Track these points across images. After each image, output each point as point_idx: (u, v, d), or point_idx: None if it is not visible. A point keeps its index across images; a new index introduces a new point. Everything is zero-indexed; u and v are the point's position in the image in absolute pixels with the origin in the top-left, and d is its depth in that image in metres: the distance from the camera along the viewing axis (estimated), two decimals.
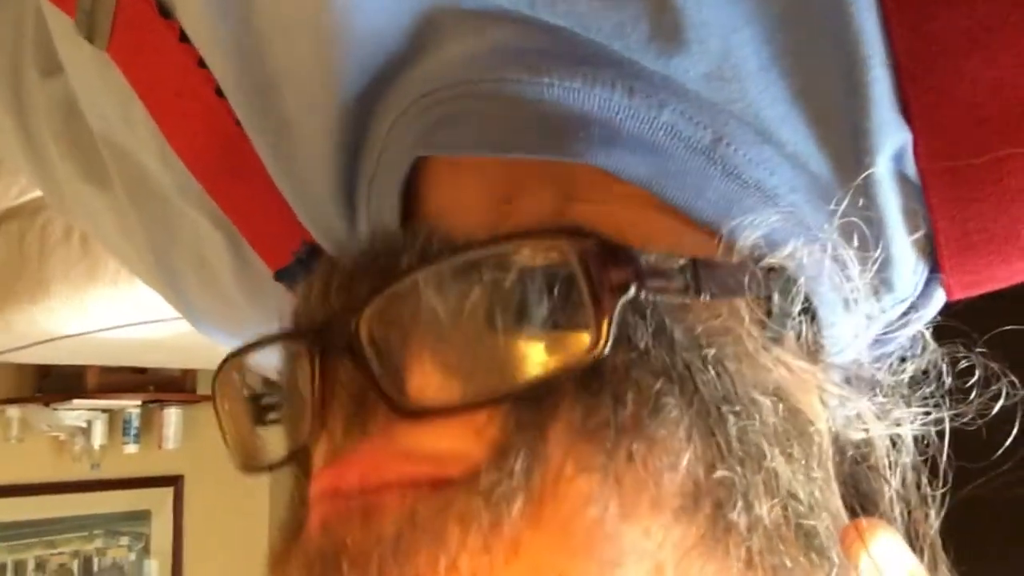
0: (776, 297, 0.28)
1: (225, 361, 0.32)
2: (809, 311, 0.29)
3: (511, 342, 0.26)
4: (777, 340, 0.28)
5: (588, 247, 0.25)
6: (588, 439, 0.24)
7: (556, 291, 0.25)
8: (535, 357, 0.25)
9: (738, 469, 0.25)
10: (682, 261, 0.26)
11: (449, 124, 0.30)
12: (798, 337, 0.30)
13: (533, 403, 0.25)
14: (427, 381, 0.26)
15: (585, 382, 0.25)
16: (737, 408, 0.26)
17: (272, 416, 0.33)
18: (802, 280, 0.28)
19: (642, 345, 0.25)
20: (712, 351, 0.26)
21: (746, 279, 0.27)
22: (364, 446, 0.26)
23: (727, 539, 0.25)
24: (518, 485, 0.24)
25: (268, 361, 0.32)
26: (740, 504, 0.25)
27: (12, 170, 1.55)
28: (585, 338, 0.25)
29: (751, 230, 0.28)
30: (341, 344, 0.27)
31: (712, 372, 0.26)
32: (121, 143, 0.44)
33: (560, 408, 0.25)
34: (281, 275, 0.39)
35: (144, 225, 0.46)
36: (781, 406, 0.27)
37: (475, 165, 0.31)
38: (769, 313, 0.28)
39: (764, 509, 0.25)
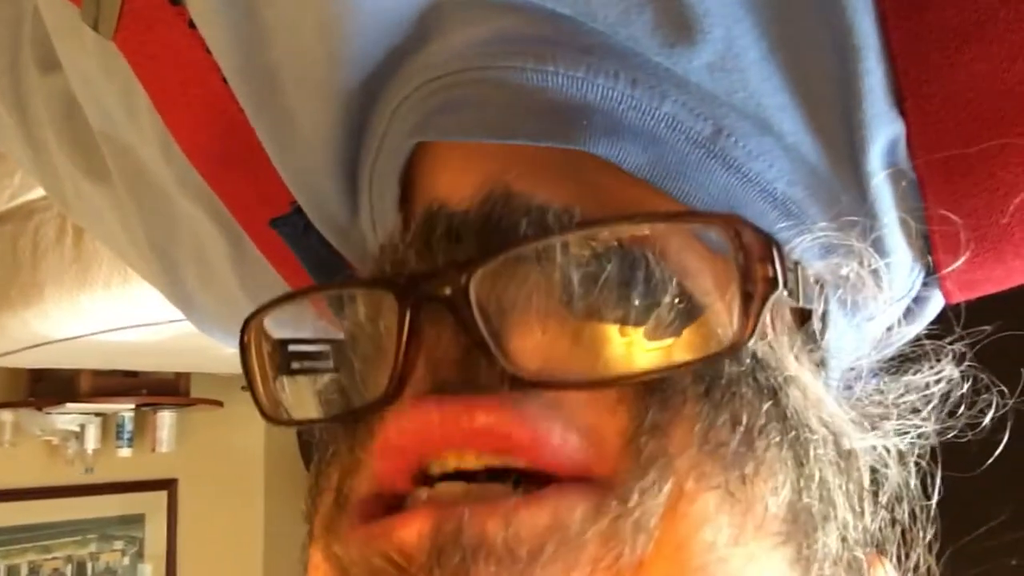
0: (819, 309, 0.28)
1: (266, 306, 0.30)
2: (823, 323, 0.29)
3: (641, 325, 0.25)
4: (816, 352, 0.28)
5: (747, 234, 0.25)
6: (710, 454, 0.24)
7: (697, 277, 0.25)
8: (663, 342, 0.25)
9: (815, 498, 0.25)
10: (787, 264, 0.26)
11: (451, 109, 0.30)
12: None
13: (659, 399, 0.24)
14: (534, 351, 0.25)
15: (706, 390, 0.25)
16: (813, 436, 0.26)
17: (299, 365, 0.31)
18: (832, 291, 0.28)
19: (747, 362, 0.25)
20: (785, 374, 0.26)
21: (813, 290, 0.27)
22: (482, 399, 0.25)
23: (809, 570, 0.25)
24: (658, 507, 0.23)
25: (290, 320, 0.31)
26: (820, 533, 0.25)
27: (3, 174, 1.55)
28: (725, 329, 0.24)
29: (800, 243, 0.27)
30: (442, 299, 0.25)
31: (788, 394, 0.26)
32: (122, 137, 0.44)
33: (682, 413, 0.24)
34: (276, 223, 0.37)
35: (144, 221, 0.46)
36: (832, 437, 0.27)
37: (476, 151, 0.31)
38: (803, 325, 0.28)
39: (832, 539, 0.25)
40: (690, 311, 0.25)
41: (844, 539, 0.26)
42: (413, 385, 0.25)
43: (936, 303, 0.32)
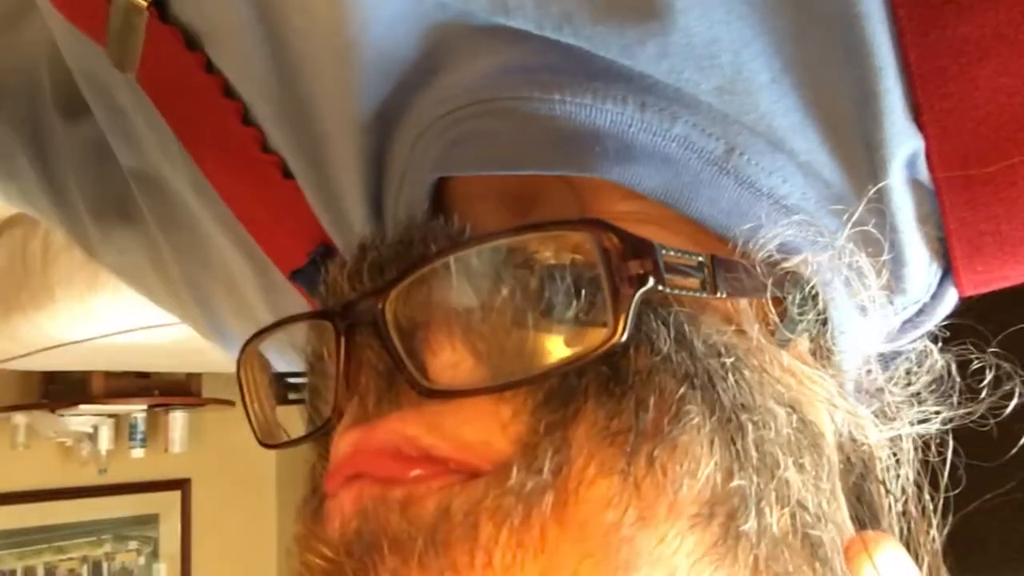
0: (791, 300, 0.28)
1: (251, 340, 0.33)
2: (823, 317, 0.29)
3: (531, 329, 0.26)
4: (786, 345, 0.29)
5: (608, 238, 0.26)
6: (610, 442, 0.25)
7: (577, 281, 0.26)
8: (554, 345, 0.26)
9: (754, 478, 0.26)
10: (700, 258, 0.27)
11: (465, 144, 0.30)
12: (811, 343, 0.30)
13: (558, 405, 0.26)
14: (448, 364, 0.27)
15: (608, 385, 0.25)
16: (755, 417, 0.26)
17: (294, 396, 0.33)
18: (818, 284, 0.28)
19: (665, 350, 0.26)
20: (730, 360, 0.26)
21: (764, 280, 0.27)
22: (394, 415, 0.27)
23: (737, 547, 0.25)
24: (547, 483, 0.24)
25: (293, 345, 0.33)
26: (753, 512, 0.25)
27: None
28: (604, 328, 0.25)
29: (767, 238, 0.28)
30: (367, 323, 0.27)
31: (732, 379, 0.26)
32: (154, 169, 0.44)
33: (584, 411, 0.25)
34: (296, 276, 0.40)
35: (177, 256, 0.47)
36: (795, 417, 0.27)
37: (494, 182, 0.32)
38: (782, 317, 0.28)
39: (774, 518, 0.26)
40: (577, 311, 0.26)
41: (794, 517, 0.26)
42: (351, 407, 0.28)
43: (951, 298, 0.32)
